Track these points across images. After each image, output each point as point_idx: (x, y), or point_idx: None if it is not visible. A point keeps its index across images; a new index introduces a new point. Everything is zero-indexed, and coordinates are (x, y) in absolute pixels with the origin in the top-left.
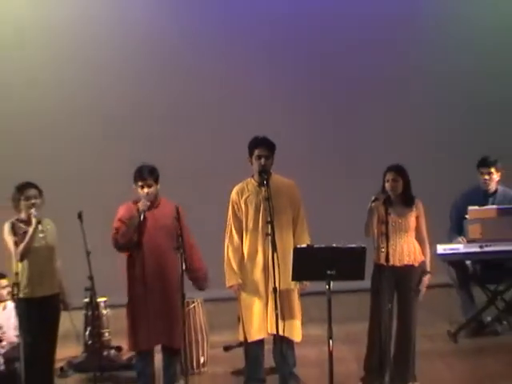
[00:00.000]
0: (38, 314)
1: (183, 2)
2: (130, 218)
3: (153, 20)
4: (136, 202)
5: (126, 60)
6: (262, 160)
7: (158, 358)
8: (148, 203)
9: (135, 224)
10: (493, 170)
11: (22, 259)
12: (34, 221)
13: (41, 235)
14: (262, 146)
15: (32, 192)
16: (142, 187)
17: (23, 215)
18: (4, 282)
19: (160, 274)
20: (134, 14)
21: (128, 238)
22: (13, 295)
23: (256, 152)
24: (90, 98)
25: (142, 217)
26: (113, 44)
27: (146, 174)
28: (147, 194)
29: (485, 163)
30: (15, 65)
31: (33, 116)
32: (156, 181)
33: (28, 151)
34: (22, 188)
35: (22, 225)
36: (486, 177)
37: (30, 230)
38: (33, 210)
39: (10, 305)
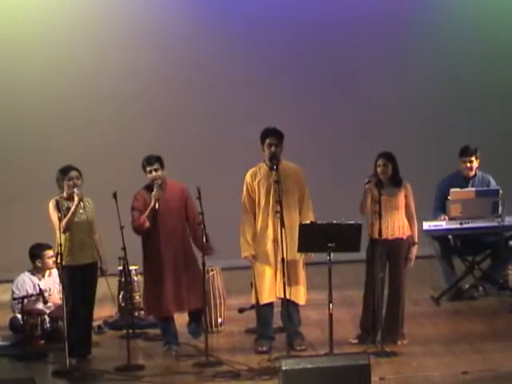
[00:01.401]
0: (79, 280)
1: None
2: (146, 205)
3: (167, 11)
4: (148, 187)
5: (141, 49)
6: (273, 148)
7: (181, 318)
8: (160, 192)
9: (151, 213)
10: (473, 158)
11: (65, 231)
12: (75, 198)
13: (81, 211)
14: (272, 135)
15: (73, 173)
16: (150, 172)
17: (66, 194)
18: (50, 252)
19: (172, 249)
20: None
21: (148, 224)
22: (56, 263)
23: (267, 141)
24: (116, 86)
25: (157, 205)
26: (127, 33)
27: (154, 161)
28: (155, 177)
29: (466, 153)
30: (37, 52)
31: (67, 105)
32: (162, 166)
33: (69, 141)
34: (65, 170)
35: (65, 202)
36: (468, 165)
37: (73, 206)
38: (75, 189)
39: (55, 272)
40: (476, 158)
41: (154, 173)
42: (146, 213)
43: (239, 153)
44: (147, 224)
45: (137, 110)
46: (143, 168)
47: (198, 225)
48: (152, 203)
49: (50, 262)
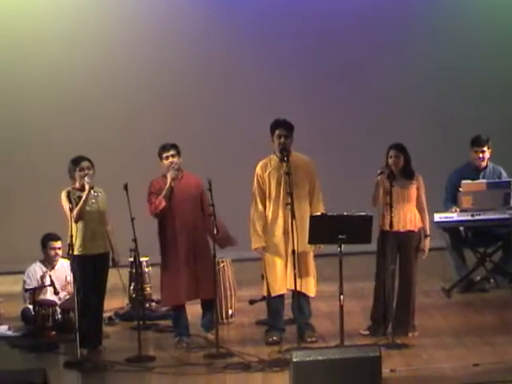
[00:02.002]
0: (91, 270)
1: None
2: (162, 190)
3: (175, 4)
4: (165, 176)
5: (148, 43)
6: (282, 139)
7: (193, 310)
8: (176, 172)
9: (169, 193)
10: (485, 148)
11: (77, 220)
12: (87, 187)
13: (93, 200)
14: (282, 126)
15: (85, 164)
16: (167, 158)
17: (78, 184)
18: (56, 243)
19: (186, 237)
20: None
21: (164, 204)
22: (68, 254)
23: (277, 132)
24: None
25: (172, 184)
26: (135, 26)
27: (169, 147)
28: (171, 163)
29: (478, 143)
30: (51, 49)
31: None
32: (178, 153)
33: (79, 133)
34: (77, 160)
35: (77, 192)
36: (480, 155)
37: (84, 195)
38: (86, 178)
39: (66, 262)
40: (488, 148)
41: (170, 158)
42: (163, 193)
43: (249, 145)
44: (163, 204)
45: (147, 102)
46: (159, 156)
47: (209, 216)
48: (168, 183)
49: (52, 252)
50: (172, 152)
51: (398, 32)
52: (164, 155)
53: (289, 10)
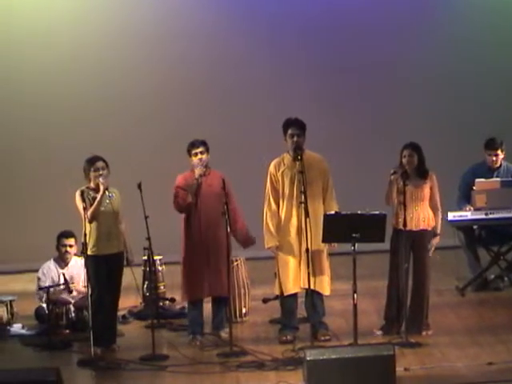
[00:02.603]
0: (105, 269)
1: None
2: (189, 185)
3: (188, 5)
4: (192, 171)
5: (165, 40)
6: (295, 138)
7: (207, 309)
8: (204, 169)
9: (194, 188)
10: (499, 152)
11: (91, 221)
12: (101, 187)
13: (107, 201)
14: (295, 125)
15: (100, 164)
16: (196, 154)
17: (92, 184)
18: (68, 240)
19: (211, 233)
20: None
21: (188, 202)
22: (82, 253)
23: (289, 131)
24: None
25: (199, 180)
26: (147, 25)
27: (199, 144)
28: (200, 160)
29: (492, 146)
30: (64, 49)
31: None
32: (207, 150)
33: (94, 137)
34: (92, 161)
35: (91, 192)
36: (494, 158)
37: (98, 196)
38: (101, 179)
39: (80, 261)
40: (502, 151)
41: (199, 155)
42: (190, 188)
43: (262, 144)
44: (189, 199)
45: (160, 102)
46: (188, 152)
47: (222, 214)
48: (195, 179)
49: (63, 249)
50: (201, 149)
51: (410, 31)
52: (193, 152)
53: (301, 9)
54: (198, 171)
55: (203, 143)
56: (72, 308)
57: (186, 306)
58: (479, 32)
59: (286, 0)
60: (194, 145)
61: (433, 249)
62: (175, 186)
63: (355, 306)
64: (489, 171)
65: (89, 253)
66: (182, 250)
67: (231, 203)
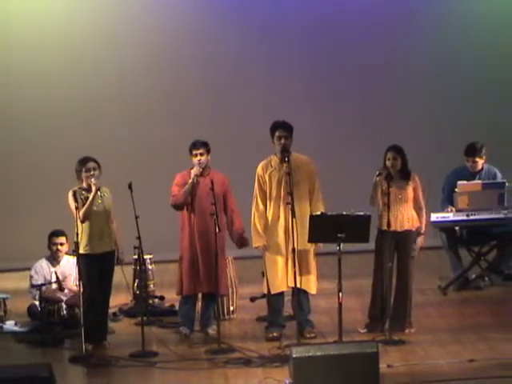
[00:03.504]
0: (97, 268)
1: None
2: (186, 183)
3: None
4: (191, 170)
5: (159, 43)
6: (282, 140)
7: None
8: (200, 169)
9: (190, 188)
10: (477, 159)
11: (83, 220)
12: (93, 188)
13: (99, 201)
14: (282, 128)
15: (91, 164)
16: (196, 155)
17: (84, 184)
18: (59, 239)
19: (205, 232)
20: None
21: (184, 199)
22: (74, 251)
23: (277, 133)
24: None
25: (195, 180)
26: (141, 30)
27: (199, 145)
28: (199, 161)
29: (470, 154)
30: (57, 49)
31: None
32: (208, 152)
33: (85, 134)
34: (83, 161)
35: (83, 192)
36: (472, 164)
37: (90, 196)
38: (92, 179)
39: (71, 259)
40: (480, 158)
41: (199, 157)
42: (186, 187)
43: (250, 146)
44: (184, 198)
45: (153, 103)
46: (190, 152)
47: (211, 215)
48: (191, 179)
49: (54, 248)
50: (201, 150)
51: (398, 35)
52: (194, 152)
53: (295, 12)
54: (194, 171)
55: (204, 145)
56: (64, 306)
57: (179, 302)
58: (466, 38)
59: (280, 2)
60: (195, 146)
61: (418, 249)
62: (173, 184)
63: (340, 304)
64: (471, 174)
65: (81, 251)
66: (179, 247)
67: (229, 204)
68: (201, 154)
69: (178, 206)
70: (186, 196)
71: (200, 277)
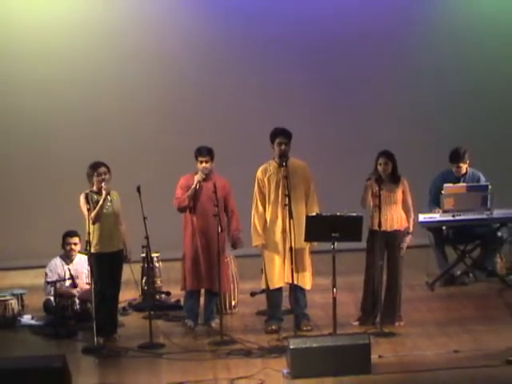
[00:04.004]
0: (107, 266)
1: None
2: (189, 187)
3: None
4: (195, 174)
5: (160, 48)
6: (282, 146)
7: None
8: (203, 175)
9: (192, 192)
10: (461, 164)
11: (94, 222)
12: (103, 192)
13: (109, 204)
14: (282, 135)
15: (102, 169)
16: (201, 162)
17: (95, 188)
18: (73, 239)
19: (206, 233)
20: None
21: (187, 203)
22: (85, 249)
23: (277, 140)
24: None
25: (197, 186)
26: (140, 40)
27: (205, 153)
28: (204, 167)
29: (454, 160)
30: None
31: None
32: (212, 159)
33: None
34: (95, 166)
35: (94, 195)
36: (457, 169)
37: (101, 199)
38: (103, 184)
39: (83, 257)
40: (464, 163)
41: (204, 164)
42: (189, 192)
43: (250, 151)
44: (186, 202)
45: (160, 111)
46: (195, 157)
47: (214, 216)
48: (194, 184)
49: (68, 247)
50: (206, 158)
51: (394, 42)
52: (199, 159)
53: (293, 18)
54: (197, 177)
55: (209, 152)
56: (77, 301)
57: (184, 297)
58: (453, 45)
59: (281, 13)
60: (201, 153)
61: (405, 247)
62: (178, 186)
63: (334, 299)
64: (456, 177)
65: (92, 250)
66: (182, 245)
67: (229, 206)
68: (206, 162)
69: (181, 209)
70: (189, 200)
71: (201, 274)
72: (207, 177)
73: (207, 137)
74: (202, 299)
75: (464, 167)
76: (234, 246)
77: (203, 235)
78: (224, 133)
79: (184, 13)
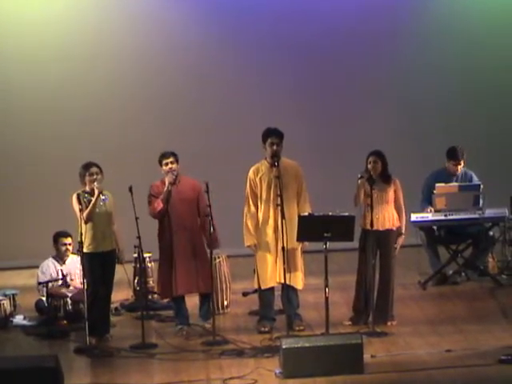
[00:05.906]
0: (100, 266)
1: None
2: (160, 193)
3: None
4: (164, 180)
5: (157, 51)
6: (274, 146)
7: (192, 301)
8: (174, 177)
9: (165, 196)
10: (461, 162)
11: (87, 222)
12: (95, 191)
13: (101, 204)
14: (274, 134)
15: (94, 169)
16: (167, 164)
17: (87, 188)
18: (66, 240)
19: (184, 236)
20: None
21: (162, 205)
22: (77, 250)
23: (269, 140)
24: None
25: (170, 187)
26: (137, 40)
27: (169, 154)
28: (170, 168)
29: (454, 157)
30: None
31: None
32: (177, 160)
33: (90, 141)
34: (87, 166)
35: (86, 195)
36: (455, 167)
37: (93, 199)
38: (95, 183)
39: (76, 258)
40: (463, 161)
41: (169, 165)
42: (162, 196)
43: (241, 151)
44: (161, 206)
45: (152, 113)
46: (159, 162)
47: (206, 216)
48: (166, 187)
49: (63, 248)
50: (171, 159)
51: (387, 39)
52: (164, 162)
53: (288, 20)
54: (168, 179)
55: (173, 154)
56: (69, 301)
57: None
58: (446, 44)
59: (273, 17)
60: (164, 156)
61: (398, 248)
62: (148, 195)
63: (327, 298)
64: (448, 177)
65: (85, 250)
66: (159, 254)
67: (202, 206)
68: (171, 163)
69: (156, 215)
70: (164, 203)
71: (181, 279)
72: (175, 180)
73: (199, 137)
74: (192, 299)
75: (461, 166)
76: (211, 246)
77: (181, 239)
78: (216, 133)
79: (176, 12)
